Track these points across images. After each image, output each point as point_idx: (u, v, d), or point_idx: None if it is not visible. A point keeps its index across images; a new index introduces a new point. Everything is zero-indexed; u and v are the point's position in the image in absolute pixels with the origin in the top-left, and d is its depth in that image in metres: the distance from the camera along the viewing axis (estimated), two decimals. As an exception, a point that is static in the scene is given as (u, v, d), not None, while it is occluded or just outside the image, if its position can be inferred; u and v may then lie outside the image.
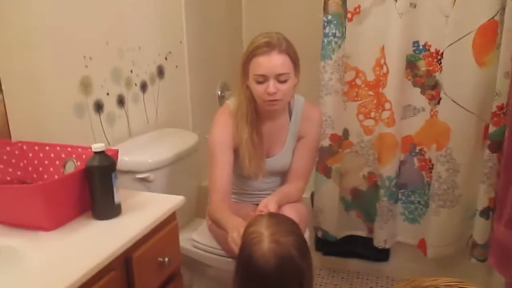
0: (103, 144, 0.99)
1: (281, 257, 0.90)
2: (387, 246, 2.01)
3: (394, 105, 1.83)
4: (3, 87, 1.17)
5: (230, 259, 1.52)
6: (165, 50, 1.89)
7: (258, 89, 1.35)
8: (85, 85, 1.45)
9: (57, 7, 1.32)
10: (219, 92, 2.33)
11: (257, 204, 1.33)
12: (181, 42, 1.99)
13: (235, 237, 1.15)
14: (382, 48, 1.82)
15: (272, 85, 1.31)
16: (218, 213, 1.37)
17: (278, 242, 0.91)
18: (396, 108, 1.83)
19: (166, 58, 1.89)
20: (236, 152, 1.46)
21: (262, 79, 1.33)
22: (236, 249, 1.14)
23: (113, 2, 1.55)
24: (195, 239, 1.62)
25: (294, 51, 1.36)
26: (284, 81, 1.33)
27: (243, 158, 1.44)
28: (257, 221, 1.00)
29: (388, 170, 1.90)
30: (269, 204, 1.28)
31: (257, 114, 1.45)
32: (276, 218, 1.02)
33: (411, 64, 1.84)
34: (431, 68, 1.82)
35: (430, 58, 1.82)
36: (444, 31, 1.72)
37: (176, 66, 1.98)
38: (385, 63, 1.82)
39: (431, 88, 1.84)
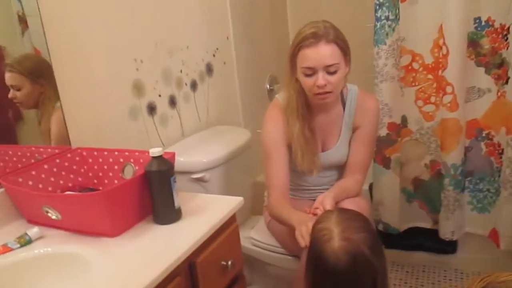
0: (160, 149, 0.98)
1: (352, 255, 0.87)
2: (454, 238, 1.90)
3: (456, 87, 1.71)
4: (60, 96, 1.19)
5: (290, 257, 1.49)
6: (213, 47, 1.87)
7: (307, 82, 1.29)
8: (138, 88, 1.46)
9: (107, 13, 1.33)
10: (268, 86, 2.29)
11: (315, 200, 1.29)
12: (227, 38, 1.97)
13: (303, 231, 1.13)
14: (440, 28, 1.70)
15: (321, 77, 1.26)
16: (279, 209, 1.34)
17: (349, 240, 0.88)
18: (458, 91, 1.71)
19: (214, 55, 1.88)
20: (290, 147, 1.42)
21: (311, 71, 1.27)
22: (303, 243, 1.12)
23: (159, 3, 1.54)
24: (254, 237, 1.60)
25: (343, 39, 1.29)
26: (334, 72, 1.27)
27: (295, 154, 1.40)
28: (326, 217, 0.97)
29: (453, 157, 1.79)
30: (325, 200, 1.23)
31: (308, 108, 1.40)
32: (346, 214, 0.98)
33: (473, 42, 1.71)
34: (496, 45, 1.68)
35: (494, 35, 1.68)
36: (509, 4, 1.58)
37: (224, 63, 1.96)
38: (444, 43, 1.70)
39: (497, 67, 1.70)
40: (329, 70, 1.26)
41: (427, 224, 2.00)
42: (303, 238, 1.13)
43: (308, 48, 1.26)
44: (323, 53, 1.25)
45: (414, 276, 2.02)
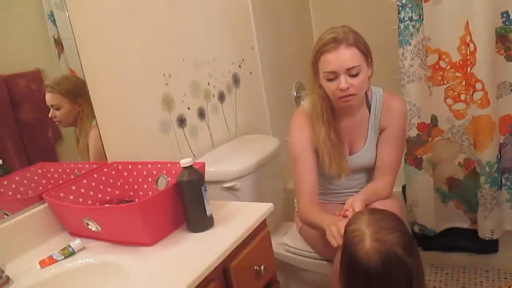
0: (190, 159, 1.02)
1: (385, 256, 0.87)
2: (494, 237, 1.85)
3: (486, 84, 1.68)
4: (96, 113, 1.25)
5: (324, 261, 1.49)
6: (238, 58, 1.91)
7: (330, 87, 1.31)
8: (168, 102, 1.51)
9: (136, 31, 1.40)
10: (295, 93, 2.31)
11: (344, 204, 1.29)
12: (252, 48, 2.01)
13: (334, 231, 1.14)
14: (467, 25, 1.68)
15: (343, 81, 1.27)
16: (309, 214, 1.36)
17: (381, 241, 0.88)
18: (489, 87, 1.68)
19: (240, 66, 1.92)
20: (317, 152, 1.43)
21: (333, 76, 1.29)
22: (334, 243, 1.13)
23: (184, 18, 1.60)
24: (287, 243, 1.61)
25: (363, 42, 1.31)
26: (356, 75, 1.28)
27: (323, 158, 1.41)
28: (357, 218, 0.97)
29: (487, 154, 1.75)
30: (354, 203, 1.24)
31: (333, 112, 1.41)
32: (378, 214, 0.97)
33: (502, 37, 1.68)
34: (526, 38, 1.65)
35: (524, 28, 1.64)
36: (537, -4, 1.55)
37: (250, 73, 1.99)
38: (471, 40, 1.67)
39: (528, 60, 1.66)
40: (351, 72, 1.28)
41: (464, 224, 1.95)
42: (335, 238, 1.14)
43: (329, 52, 1.28)
44: (344, 56, 1.27)
45: (454, 278, 1.97)
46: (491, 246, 1.94)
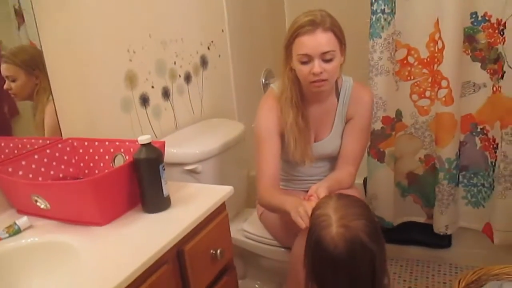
0: (149, 136, 0.97)
1: (350, 242, 0.88)
2: (448, 232, 1.90)
3: (451, 82, 1.70)
4: (52, 87, 1.19)
5: (283, 249, 1.49)
6: (208, 40, 1.86)
7: (303, 70, 1.29)
8: (130, 79, 1.45)
9: (100, 2, 1.32)
10: (264, 80, 2.29)
11: (307, 191, 1.28)
12: (222, 30, 1.96)
13: (301, 212, 1.12)
14: (437, 22, 1.70)
15: (317, 65, 1.26)
16: (271, 197, 1.35)
17: (347, 227, 0.89)
18: (454, 85, 1.71)
19: (208, 48, 1.87)
20: (282, 137, 1.42)
21: (307, 59, 1.27)
22: (302, 224, 1.11)
23: (153, -6, 1.54)
24: (246, 229, 1.60)
25: (339, 28, 1.30)
26: (330, 60, 1.27)
27: (288, 143, 1.40)
28: (325, 203, 0.97)
29: (448, 151, 1.78)
30: (319, 189, 1.23)
31: (302, 97, 1.39)
32: (345, 200, 0.97)
33: (469, 37, 1.71)
34: (492, 40, 1.68)
35: (490, 30, 1.67)
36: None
37: (219, 56, 1.95)
38: (440, 37, 1.69)
39: (493, 62, 1.70)
40: (325, 57, 1.27)
41: (421, 219, 1.99)
42: (302, 219, 1.12)
43: (305, 35, 1.26)
44: (320, 40, 1.25)
45: (408, 270, 2.02)
46: (444, 241, 2.00)
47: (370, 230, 0.90)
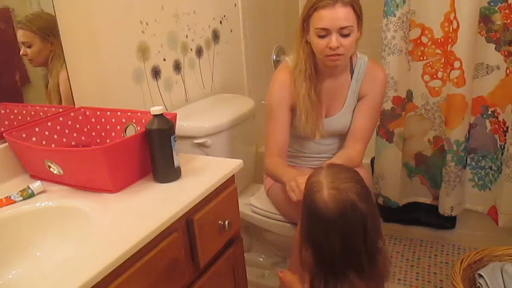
0: (161, 107, 0.98)
1: (341, 202, 0.92)
2: (453, 214, 1.92)
3: (464, 63, 1.69)
4: (65, 55, 1.20)
5: (289, 224, 1.51)
6: (220, 14, 1.85)
7: (319, 44, 1.29)
8: (143, 51, 1.45)
9: (112, -29, 1.32)
10: (275, 57, 2.28)
11: (314, 168, 1.29)
12: (235, 5, 1.94)
13: (293, 185, 1.17)
14: (453, 2, 1.67)
15: (334, 39, 1.26)
16: (275, 167, 1.38)
17: (337, 189, 0.93)
18: (467, 66, 1.69)
19: (221, 22, 1.86)
20: (293, 110, 1.43)
21: (324, 33, 1.27)
22: (294, 197, 1.17)
23: (167, -35, 1.52)
24: (253, 204, 1.62)
25: (358, 3, 1.29)
26: (347, 35, 1.27)
27: (299, 115, 1.41)
28: (317, 171, 1.01)
29: (457, 133, 1.78)
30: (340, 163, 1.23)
31: (316, 71, 1.39)
32: (335, 167, 1.02)
33: (485, 17, 1.68)
34: (508, 21, 1.66)
35: (507, 10, 1.65)
36: (524, -21, 1.55)
37: (231, 30, 1.94)
38: (455, 17, 1.67)
39: (508, 44, 1.68)
40: (343, 32, 1.26)
41: (427, 200, 2.01)
42: (294, 192, 1.16)
43: (324, 9, 1.25)
44: (339, 14, 1.25)
45: (411, 250, 2.04)
46: (449, 222, 2.02)
47: (360, 191, 0.94)
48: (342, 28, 1.25)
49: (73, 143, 1.21)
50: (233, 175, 1.09)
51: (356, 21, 1.28)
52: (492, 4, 1.66)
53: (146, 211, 0.90)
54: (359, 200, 0.92)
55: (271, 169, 1.40)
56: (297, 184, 1.16)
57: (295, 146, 1.54)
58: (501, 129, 1.78)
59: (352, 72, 1.44)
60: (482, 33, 1.71)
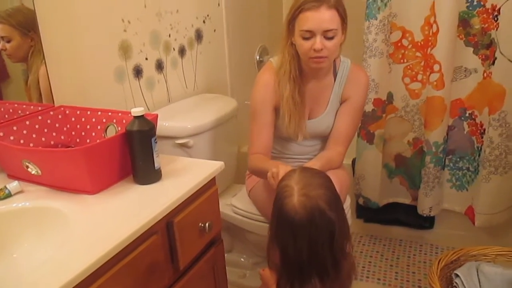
0: (142, 108, 0.98)
1: (310, 209, 0.94)
2: (432, 214, 1.95)
3: (444, 66, 1.72)
4: (45, 52, 1.18)
5: (270, 225, 1.52)
6: (203, 13, 1.84)
7: (304, 45, 1.30)
8: (124, 50, 1.44)
9: (94, -31, 1.30)
10: (258, 57, 2.28)
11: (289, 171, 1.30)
12: (219, 4, 1.94)
13: (274, 172, 1.17)
14: (433, 5, 1.70)
15: (319, 41, 1.27)
16: (259, 162, 1.39)
17: (307, 196, 0.95)
18: (446, 69, 1.73)
19: (204, 22, 1.85)
20: (277, 111, 1.44)
21: (309, 35, 1.28)
22: (274, 184, 1.17)
23: (149, -37, 1.51)
24: (235, 204, 1.62)
25: (343, 6, 1.30)
26: (331, 38, 1.28)
27: (283, 116, 1.42)
28: (289, 175, 1.03)
29: (436, 135, 1.81)
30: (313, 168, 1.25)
31: (301, 73, 1.41)
32: (308, 172, 1.04)
33: (464, 21, 1.72)
34: (486, 25, 1.69)
35: (485, 15, 1.68)
36: (501, -15, 1.58)
37: (215, 30, 1.93)
38: (435, 21, 1.70)
39: (485, 48, 1.72)
40: (327, 35, 1.28)
41: (406, 200, 2.04)
42: (274, 180, 1.17)
43: (309, 11, 1.27)
44: (324, 17, 1.26)
45: (390, 250, 2.07)
46: (427, 222, 2.05)
47: (329, 199, 0.96)
48: (326, 31, 1.27)
49: (52, 142, 1.19)
50: (214, 177, 1.09)
51: (341, 24, 1.30)
52: (470, 8, 1.70)
53: (126, 213, 0.90)
54: (328, 208, 0.95)
55: (255, 164, 1.40)
56: (278, 172, 1.15)
57: (278, 147, 1.55)
58: (478, 131, 1.81)
59: (335, 75, 1.45)
60: (461, 36, 1.74)
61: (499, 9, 1.61)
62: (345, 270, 1.00)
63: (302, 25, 1.28)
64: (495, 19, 1.65)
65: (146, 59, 1.54)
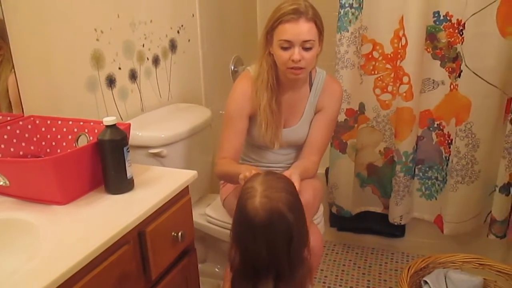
0: (114, 118, 0.97)
1: (270, 210, 0.96)
2: (402, 222, 1.99)
3: (412, 78, 1.78)
4: (14, 62, 1.16)
5: (244, 234, 1.52)
6: (177, 24, 1.85)
7: (282, 56, 1.33)
8: (97, 59, 1.43)
9: (66, -22, 1.29)
10: (233, 67, 2.30)
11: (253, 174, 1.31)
12: (193, 15, 1.95)
13: (246, 175, 1.18)
14: (401, 19, 1.76)
15: (297, 52, 1.30)
16: (229, 166, 1.39)
17: (268, 197, 0.98)
18: (414, 81, 1.78)
19: (178, 32, 1.86)
20: (253, 119, 1.46)
21: (288, 45, 1.31)
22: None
23: (123, -27, 1.51)
24: (209, 214, 1.62)
25: (320, 19, 1.34)
26: (309, 49, 1.32)
27: (260, 125, 1.43)
28: (254, 177, 1.05)
29: (405, 145, 1.86)
30: (293, 176, 1.24)
31: (278, 82, 1.43)
32: (271, 176, 1.07)
33: (431, 35, 1.78)
34: (452, 39, 1.76)
35: (451, 29, 1.75)
36: (466, 0, 1.64)
37: (189, 40, 1.94)
38: (404, 34, 1.76)
39: (452, 61, 1.78)
40: (305, 45, 1.31)
41: (378, 209, 2.08)
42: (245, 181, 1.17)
43: (288, 23, 1.30)
44: (302, 29, 1.29)
45: (363, 258, 2.10)
46: (398, 231, 2.10)
47: (290, 203, 0.99)
48: (304, 41, 1.30)
49: (21, 153, 1.17)
50: (187, 186, 1.09)
51: (318, 36, 1.33)
52: (437, 23, 1.76)
53: (97, 223, 0.89)
54: (287, 210, 0.97)
55: (223, 168, 1.41)
56: (250, 175, 1.15)
57: (253, 156, 1.56)
58: (446, 142, 1.87)
59: (311, 86, 1.48)
60: (428, 50, 1.80)
61: (464, 24, 1.68)
62: (300, 275, 1.03)
63: (281, 35, 1.31)
64: (461, 33, 1.72)
65: (120, 68, 1.53)
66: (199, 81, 2.04)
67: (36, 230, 0.88)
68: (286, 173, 1.29)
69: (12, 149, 1.15)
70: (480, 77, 1.68)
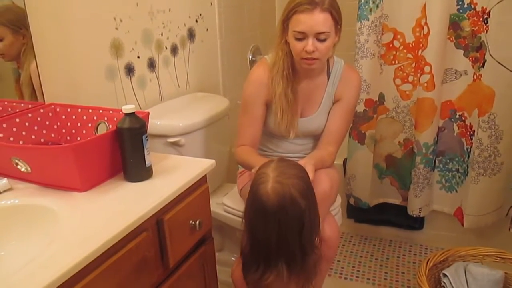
0: (133, 106, 0.98)
1: (282, 196, 0.98)
2: (421, 215, 1.97)
3: (434, 68, 1.74)
4: (36, 50, 1.17)
5: (261, 224, 1.52)
6: (196, 12, 1.85)
7: (296, 46, 1.31)
8: (116, 48, 1.43)
9: (86, -34, 1.30)
10: (251, 56, 2.29)
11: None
12: (211, 4, 1.94)
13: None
14: (424, 7, 1.72)
15: (310, 43, 1.28)
16: (247, 155, 1.40)
17: (281, 183, 0.99)
18: (436, 71, 1.74)
19: (196, 21, 1.85)
20: (269, 107, 1.45)
21: (301, 36, 1.29)
22: None
23: (142, -38, 1.51)
24: (226, 203, 1.62)
25: (337, 9, 1.31)
26: (324, 40, 1.29)
27: (275, 113, 1.43)
28: (267, 163, 1.07)
29: (426, 136, 1.83)
30: (307, 165, 1.23)
31: (294, 71, 1.42)
32: (284, 162, 1.08)
33: (454, 24, 1.73)
34: (476, 28, 1.71)
35: (475, 18, 1.70)
36: (492, -12, 1.60)
37: (207, 29, 1.93)
38: (426, 23, 1.72)
39: (475, 50, 1.73)
40: (320, 37, 1.29)
41: (396, 200, 2.05)
42: None
43: (302, 13, 1.27)
44: (317, 20, 1.27)
45: (380, 250, 2.08)
46: (417, 223, 2.07)
47: (301, 188, 1.00)
48: (318, 33, 1.28)
49: (42, 140, 1.18)
50: (205, 175, 1.09)
51: (334, 26, 1.31)
52: (461, 11, 1.71)
53: (115, 210, 0.90)
54: (299, 196, 0.98)
55: (243, 156, 1.42)
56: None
57: (269, 145, 1.55)
58: (468, 133, 1.83)
59: (328, 75, 1.46)
60: (451, 39, 1.76)
61: (489, 12, 1.63)
62: (312, 262, 1.04)
63: (295, 26, 1.29)
64: (485, 22, 1.67)
65: (138, 57, 1.54)
66: (217, 71, 2.04)
67: (56, 216, 0.89)
68: (301, 162, 1.29)
69: (33, 136, 1.16)
70: (505, 67, 1.63)
